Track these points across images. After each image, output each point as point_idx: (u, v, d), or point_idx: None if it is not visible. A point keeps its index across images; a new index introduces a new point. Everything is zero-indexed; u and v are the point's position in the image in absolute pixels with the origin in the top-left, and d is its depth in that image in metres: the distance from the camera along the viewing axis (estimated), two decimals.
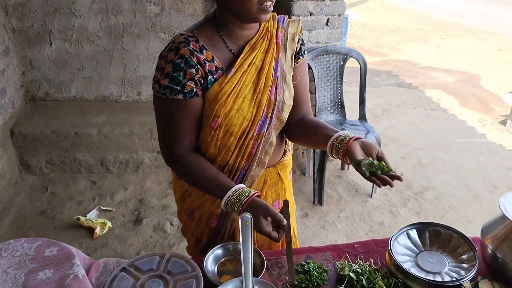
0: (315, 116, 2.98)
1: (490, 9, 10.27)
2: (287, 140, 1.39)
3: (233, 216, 1.32)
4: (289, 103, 1.27)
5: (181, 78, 1.13)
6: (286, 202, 1.20)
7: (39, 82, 3.39)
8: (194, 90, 1.15)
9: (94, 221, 2.60)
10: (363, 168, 1.09)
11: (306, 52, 1.35)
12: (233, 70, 1.17)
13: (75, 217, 2.65)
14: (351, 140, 1.15)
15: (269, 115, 1.22)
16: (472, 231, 2.80)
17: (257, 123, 1.21)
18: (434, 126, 4.27)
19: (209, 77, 1.16)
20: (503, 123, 4.36)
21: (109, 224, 2.61)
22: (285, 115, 1.27)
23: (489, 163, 3.58)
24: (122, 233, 2.61)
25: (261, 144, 1.23)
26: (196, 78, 1.14)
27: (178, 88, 1.13)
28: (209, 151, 1.23)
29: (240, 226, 0.94)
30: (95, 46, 3.35)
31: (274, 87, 1.22)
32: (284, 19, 1.29)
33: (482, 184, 3.28)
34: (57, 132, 3.04)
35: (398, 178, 1.08)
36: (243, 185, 1.18)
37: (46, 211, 2.77)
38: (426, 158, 3.61)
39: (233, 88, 1.16)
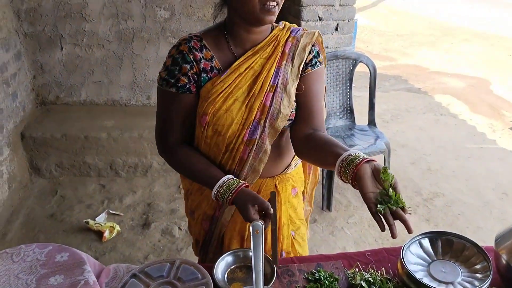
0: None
1: (500, 14, 10.19)
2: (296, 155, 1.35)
3: (222, 221, 1.33)
4: (286, 112, 1.22)
5: (176, 72, 1.19)
6: (273, 194, 1.20)
7: (50, 86, 3.42)
8: (187, 86, 1.19)
9: (103, 224, 2.61)
10: (379, 206, 0.94)
11: (319, 64, 1.28)
12: (228, 71, 1.19)
13: (84, 220, 2.66)
14: (361, 163, 1.00)
15: (262, 121, 1.21)
16: (483, 238, 2.78)
17: (248, 127, 1.20)
18: (444, 132, 4.24)
19: (203, 74, 1.19)
20: None
21: (117, 228, 2.62)
22: (280, 124, 1.22)
23: (499, 170, 3.54)
24: (130, 237, 2.61)
25: (253, 150, 1.22)
26: (189, 74, 1.18)
27: (173, 81, 1.19)
28: (201, 148, 1.26)
29: (251, 234, 0.94)
30: (105, 51, 3.37)
31: (271, 94, 1.20)
32: (299, 30, 1.28)
33: (492, 190, 3.24)
34: (67, 136, 3.06)
35: (408, 229, 0.95)
36: (232, 175, 1.19)
37: (56, 214, 2.79)
38: (435, 164, 3.58)
39: (225, 88, 1.18)
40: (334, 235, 2.70)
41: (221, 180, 1.16)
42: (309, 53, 1.26)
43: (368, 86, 3.07)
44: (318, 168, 1.55)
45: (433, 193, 3.16)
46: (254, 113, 1.20)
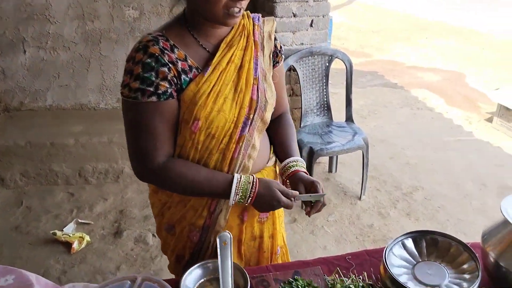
0: (301, 119, 2.92)
1: (474, 8, 10.38)
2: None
3: (216, 228, 1.22)
4: (272, 102, 1.21)
5: (154, 78, 1.03)
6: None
7: (13, 92, 3.25)
8: (169, 91, 1.05)
9: (71, 235, 2.47)
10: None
11: (282, 53, 1.31)
12: (210, 68, 1.08)
13: (51, 231, 2.51)
14: (292, 174, 1.23)
15: (251, 116, 1.14)
16: (464, 231, 2.74)
17: (240, 126, 1.13)
18: (421, 125, 4.24)
19: (183, 76, 1.07)
20: (490, 120, 4.35)
21: (87, 238, 2.48)
22: (268, 115, 1.20)
23: (477, 161, 3.54)
24: (101, 247, 2.47)
25: (243, 147, 1.14)
26: (169, 77, 1.05)
27: (151, 89, 1.03)
28: (190, 156, 1.13)
29: (218, 245, 0.84)
30: (72, 53, 3.23)
31: (255, 87, 1.15)
32: (259, 17, 1.23)
33: (471, 182, 3.24)
34: (32, 143, 2.90)
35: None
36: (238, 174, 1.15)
37: (21, 227, 2.63)
38: (414, 158, 3.56)
39: (212, 87, 1.08)
40: (315, 234, 2.63)
41: (235, 177, 1.12)
42: (274, 40, 1.26)
43: (345, 83, 3.01)
44: None
45: (412, 187, 3.13)
46: (245, 110, 1.13)
